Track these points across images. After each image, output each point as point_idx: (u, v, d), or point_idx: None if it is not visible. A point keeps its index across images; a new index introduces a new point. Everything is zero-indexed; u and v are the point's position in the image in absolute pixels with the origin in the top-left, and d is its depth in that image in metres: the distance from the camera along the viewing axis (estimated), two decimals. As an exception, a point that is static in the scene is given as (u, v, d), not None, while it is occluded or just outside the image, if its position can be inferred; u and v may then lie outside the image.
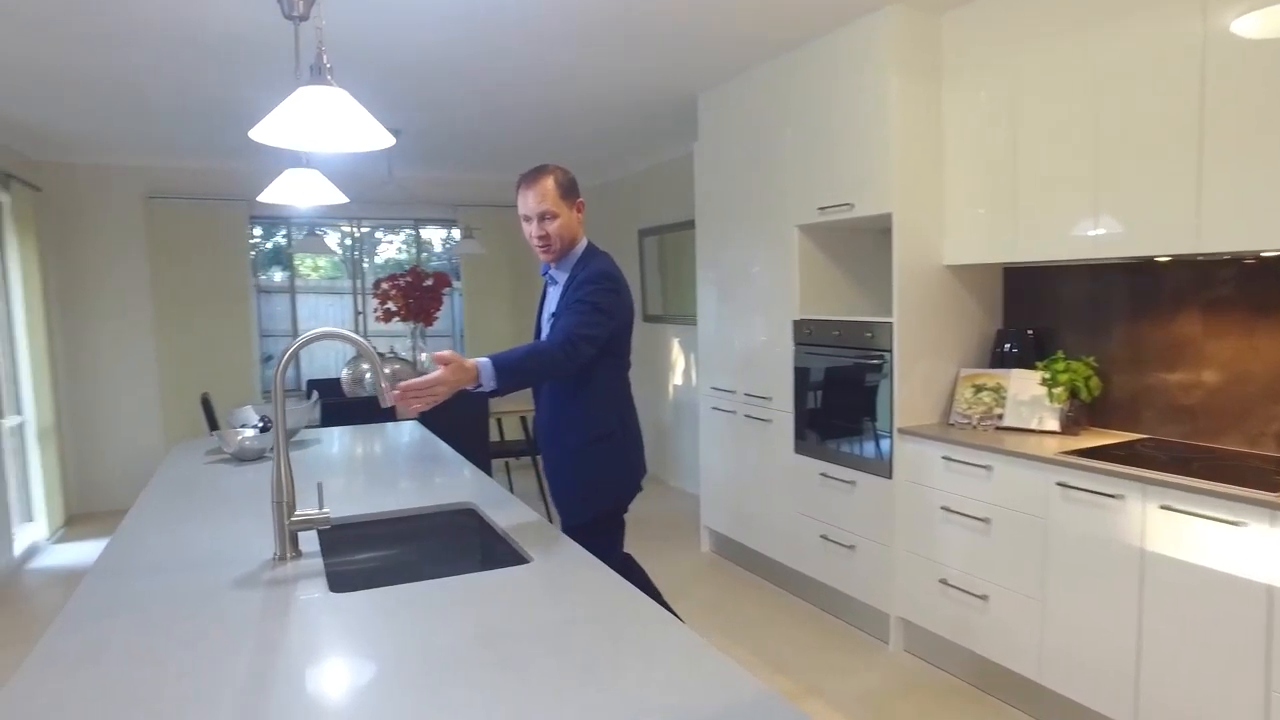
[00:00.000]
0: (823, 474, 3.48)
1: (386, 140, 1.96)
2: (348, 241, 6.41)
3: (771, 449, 3.81)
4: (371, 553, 2.06)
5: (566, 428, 2.36)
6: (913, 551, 3.05)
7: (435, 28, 3.09)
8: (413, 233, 6.61)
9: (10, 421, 4.80)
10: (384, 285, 4.97)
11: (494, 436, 6.15)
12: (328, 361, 6.37)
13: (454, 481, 2.37)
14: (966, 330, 3.25)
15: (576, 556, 1.67)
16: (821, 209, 3.37)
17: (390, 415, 4.34)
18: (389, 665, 1.16)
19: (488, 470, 4.71)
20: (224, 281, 5.71)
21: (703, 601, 3.73)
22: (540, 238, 2.28)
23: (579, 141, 5.32)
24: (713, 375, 4.30)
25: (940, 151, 3.12)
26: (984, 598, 2.75)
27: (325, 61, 1.82)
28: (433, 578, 1.54)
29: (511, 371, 2.00)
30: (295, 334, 6.27)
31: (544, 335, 2.38)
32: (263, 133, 1.74)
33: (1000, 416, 3.00)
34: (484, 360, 1.96)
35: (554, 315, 2.31)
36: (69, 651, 1.23)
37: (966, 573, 2.83)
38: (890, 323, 3.09)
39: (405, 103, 4.22)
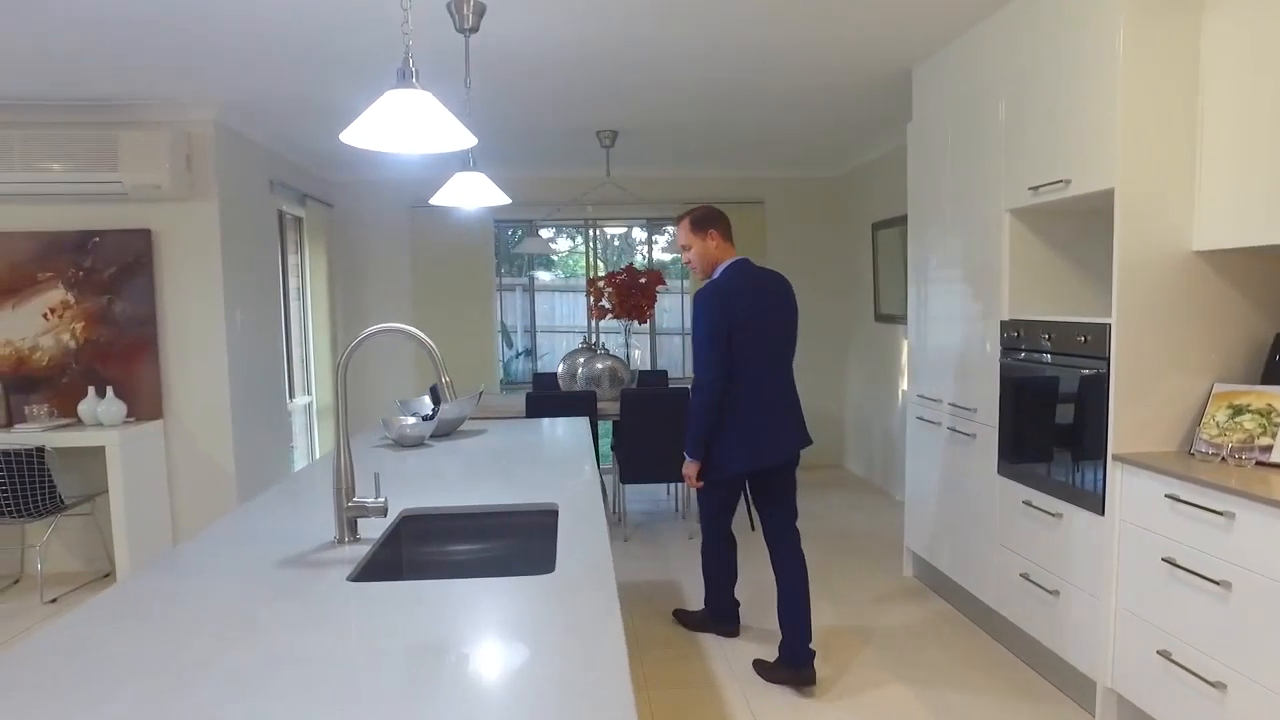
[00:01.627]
0: (1026, 501, 2.92)
1: (468, 141, 1.97)
2: (579, 241, 6.71)
3: (974, 468, 3.29)
4: (457, 545, 2.09)
5: None
6: (1130, 610, 2.44)
7: (614, 16, 3.08)
8: (644, 231, 6.75)
9: (301, 400, 5.69)
10: (599, 283, 5.11)
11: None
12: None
13: (562, 481, 2.32)
14: (1228, 334, 2.53)
15: (593, 571, 1.52)
16: (1034, 189, 2.82)
17: (585, 410, 4.43)
18: (322, 658, 1.13)
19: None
20: (471, 280, 6.27)
21: (887, 634, 3.33)
22: (686, 262, 3.09)
23: (794, 132, 5.04)
24: (920, 382, 3.82)
25: (1193, 105, 2.45)
26: (1220, 685, 2.11)
27: (412, 66, 1.85)
28: (485, 576, 1.50)
29: (690, 441, 2.98)
30: (534, 330, 6.71)
31: None
32: (352, 136, 1.82)
33: (1268, 449, 2.28)
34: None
35: None
36: (111, 602, 1.36)
37: (1196, 648, 2.19)
38: (1107, 324, 2.49)
39: (617, 102, 4.28)
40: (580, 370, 5.03)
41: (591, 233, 6.67)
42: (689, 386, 4.57)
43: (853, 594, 3.81)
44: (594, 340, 5.40)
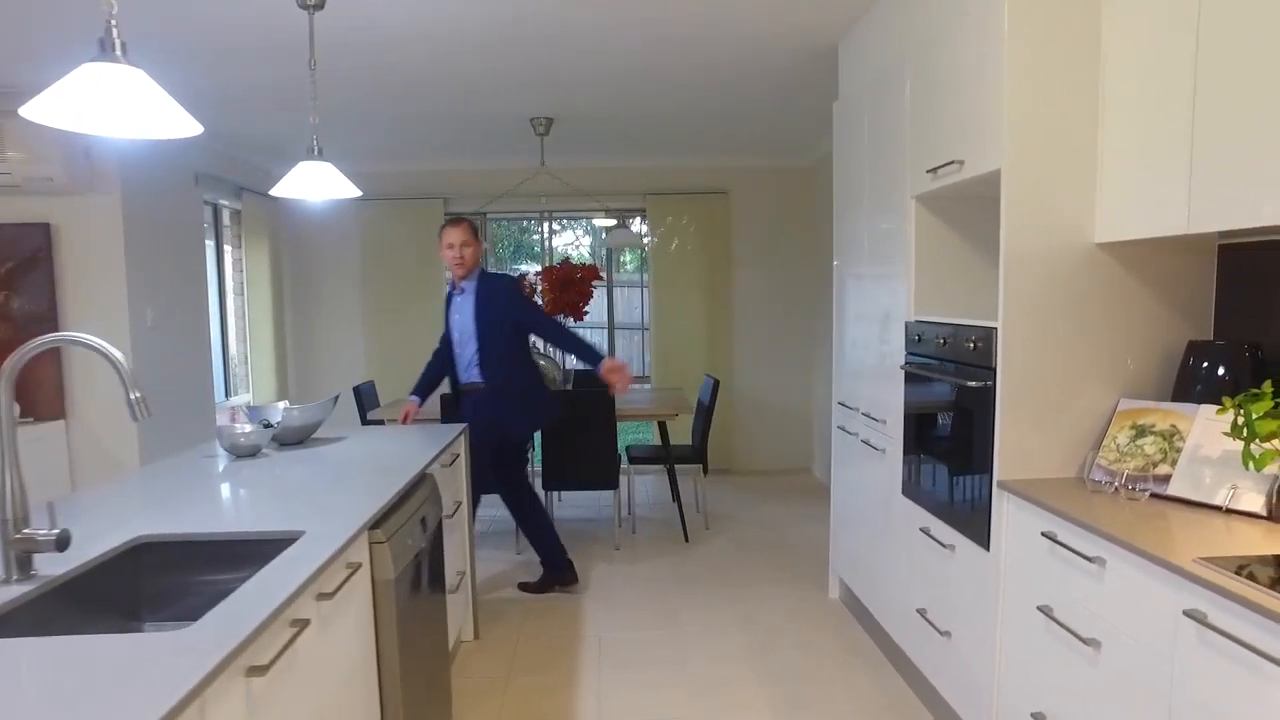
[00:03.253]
0: (924, 529, 2.58)
1: (192, 128, 1.72)
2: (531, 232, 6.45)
3: (883, 487, 2.95)
4: (205, 576, 1.84)
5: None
6: (1012, 661, 2.10)
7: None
8: (601, 224, 6.46)
9: (241, 398, 5.53)
10: (530, 278, 4.85)
11: (653, 441, 5.78)
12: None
13: (355, 500, 2.05)
14: (1137, 340, 2.16)
15: (235, 627, 1.24)
16: (931, 171, 2.47)
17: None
18: None
19: (614, 480, 4.35)
20: (423, 273, 6.06)
21: (784, 666, 3.01)
22: (457, 259, 3.56)
23: (742, 117, 4.69)
24: (841, 388, 3.49)
25: (1094, 74, 2.08)
26: (1090, 760, 1.77)
27: (116, 36, 1.60)
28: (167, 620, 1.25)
29: (592, 353, 3.64)
30: (490, 326, 6.47)
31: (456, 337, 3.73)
32: (35, 110, 1.57)
33: (1165, 480, 1.92)
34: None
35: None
36: None
37: (1067, 714, 1.84)
38: (993, 328, 2.14)
39: (550, 89, 4.01)
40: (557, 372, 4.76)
41: (545, 226, 6.40)
42: (594, 390, 4.30)
43: (765, 616, 3.49)
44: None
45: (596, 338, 6.47)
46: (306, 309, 6.19)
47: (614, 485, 4.42)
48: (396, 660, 2.02)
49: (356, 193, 2.85)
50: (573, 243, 8.46)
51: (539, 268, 5.25)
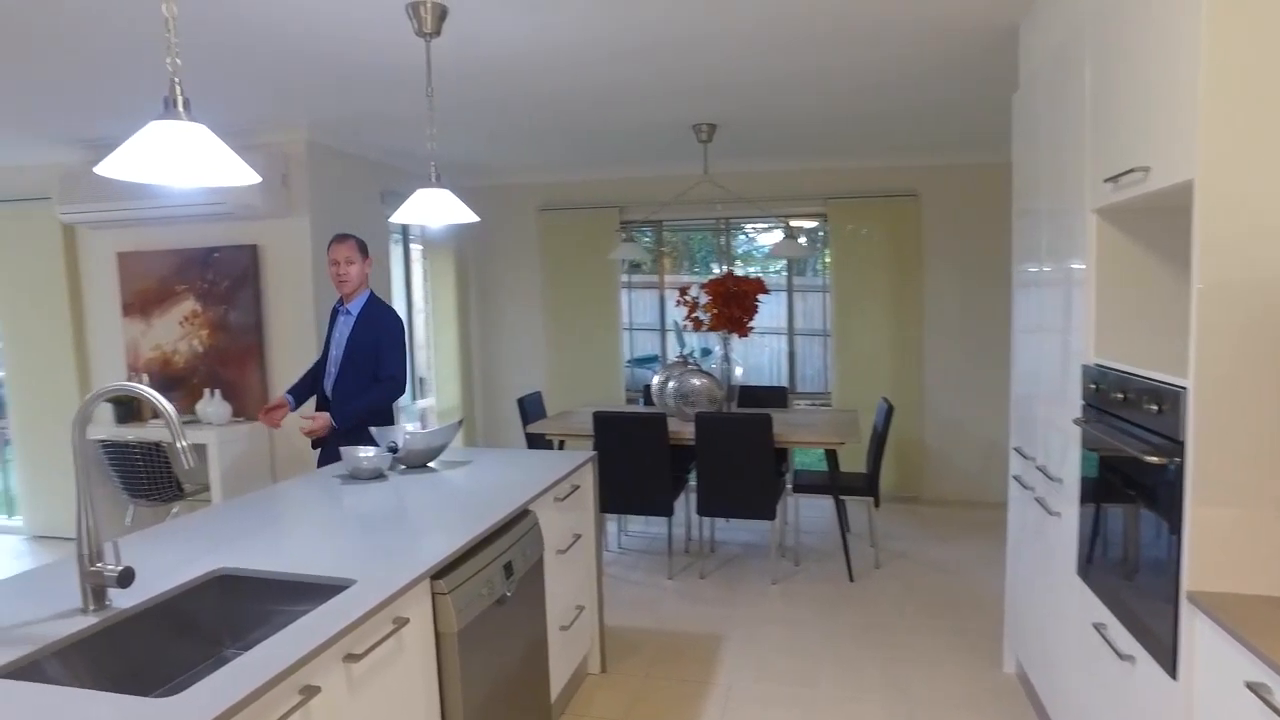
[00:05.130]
0: (1097, 625, 2.09)
1: (250, 178, 1.75)
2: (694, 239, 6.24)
3: (1057, 559, 2.46)
4: (280, 606, 1.86)
5: None
6: (1194, 826, 1.61)
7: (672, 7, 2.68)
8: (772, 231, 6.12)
9: (423, 402, 5.88)
10: (689, 292, 4.67)
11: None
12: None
13: (420, 543, 2.00)
14: None
15: (220, 699, 1.20)
16: (1111, 180, 1.98)
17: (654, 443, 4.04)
18: None
19: (777, 506, 4.07)
20: (597, 283, 6.09)
21: (927, 757, 2.60)
22: (343, 276, 3.36)
23: (921, 113, 4.19)
24: (1017, 431, 2.97)
25: (1343, 50, 1.53)
26: None
27: (179, 93, 1.65)
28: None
29: (351, 417, 3.35)
30: (663, 333, 6.38)
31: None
32: (109, 167, 1.66)
33: None
34: None
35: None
36: None
37: None
38: (1182, 389, 1.65)
39: (708, 94, 3.84)
40: (671, 386, 4.63)
41: (723, 239, 6.18)
42: (762, 412, 4.02)
43: (921, 688, 3.06)
44: (688, 352, 4.96)
45: (779, 344, 6.18)
46: (489, 318, 6.46)
47: (769, 516, 4.14)
48: (461, 714, 1.95)
49: (473, 218, 2.84)
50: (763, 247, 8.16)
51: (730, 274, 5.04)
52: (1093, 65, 2.14)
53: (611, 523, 5.19)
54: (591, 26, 2.86)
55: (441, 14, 2.60)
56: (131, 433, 4.36)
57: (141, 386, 1.60)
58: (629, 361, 6.57)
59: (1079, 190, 2.25)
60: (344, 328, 3.40)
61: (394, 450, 2.90)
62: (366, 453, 2.77)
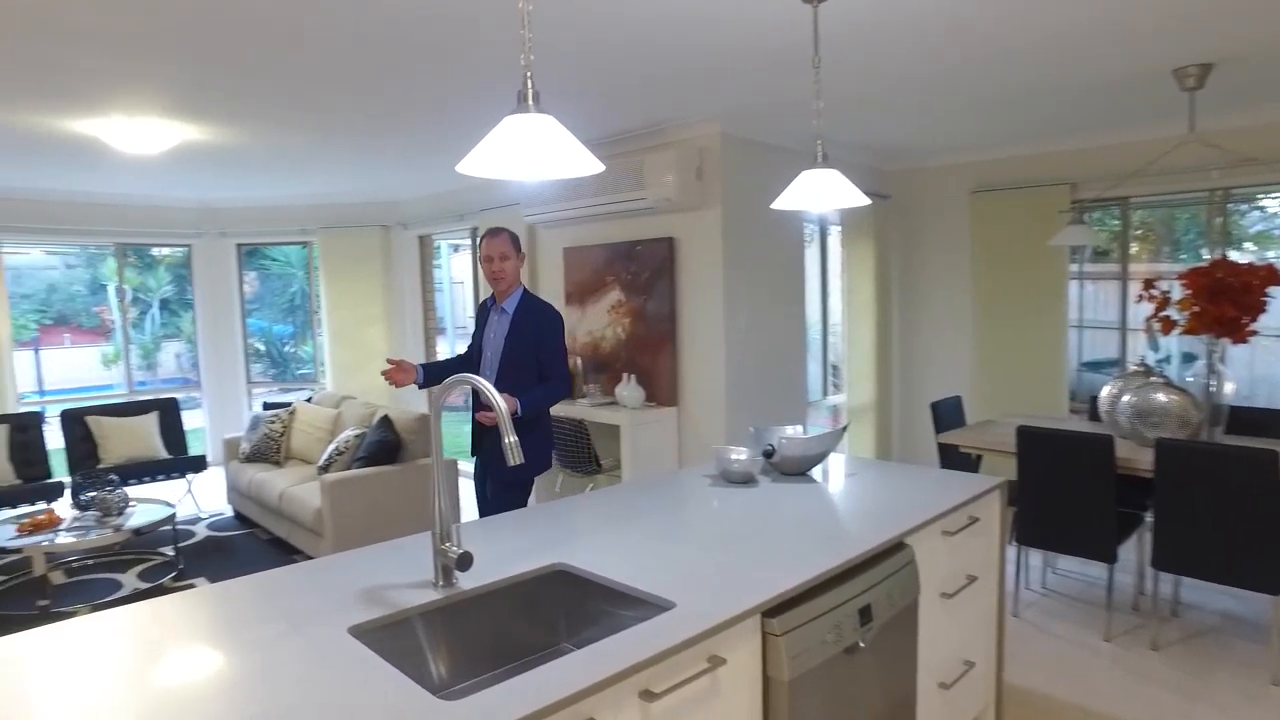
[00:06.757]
0: None
1: (595, 167, 1.68)
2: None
3: None
4: (618, 611, 1.82)
5: None
6: None
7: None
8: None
9: (834, 398, 5.64)
10: (1157, 285, 3.65)
11: None
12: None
13: (773, 571, 1.78)
14: None
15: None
16: None
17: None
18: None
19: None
20: (1038, 272, 5.17)
21: None
22: (498, 274, 3.19)
23: None
24: None
25: None
26: None
27: (530, 87, 1.66)
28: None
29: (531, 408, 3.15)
30: (1123, 332, 5.16)
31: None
32: (469, 166, 1.73)
33: None
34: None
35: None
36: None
37: None
38: None
39: (1203, 25, 2.97)
40: (1126, 400, 3.68)
41: (1218, 218, 4.73)
42: (1267, 448, 2.93)
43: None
44: (1160, 358, 3.88)
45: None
46: (912, 312, 5.93)
47: (1273, 589, 3.05)
48: (788, 775, 1.69)
49: (864, 201, 2.49)
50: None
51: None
52: None
53: (1036, 555, 4.37)
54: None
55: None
56: (563, 409, 4.90)
57: (477, 379, 1.65)
58: (1080, 365, 5.51)
59: None
60: (499, 327, 3.23)
61: (769, 455, 2.73)
62: (739, 454, 2.64)
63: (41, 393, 10.27)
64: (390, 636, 1.58)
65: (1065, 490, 3.50)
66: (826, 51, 3.17)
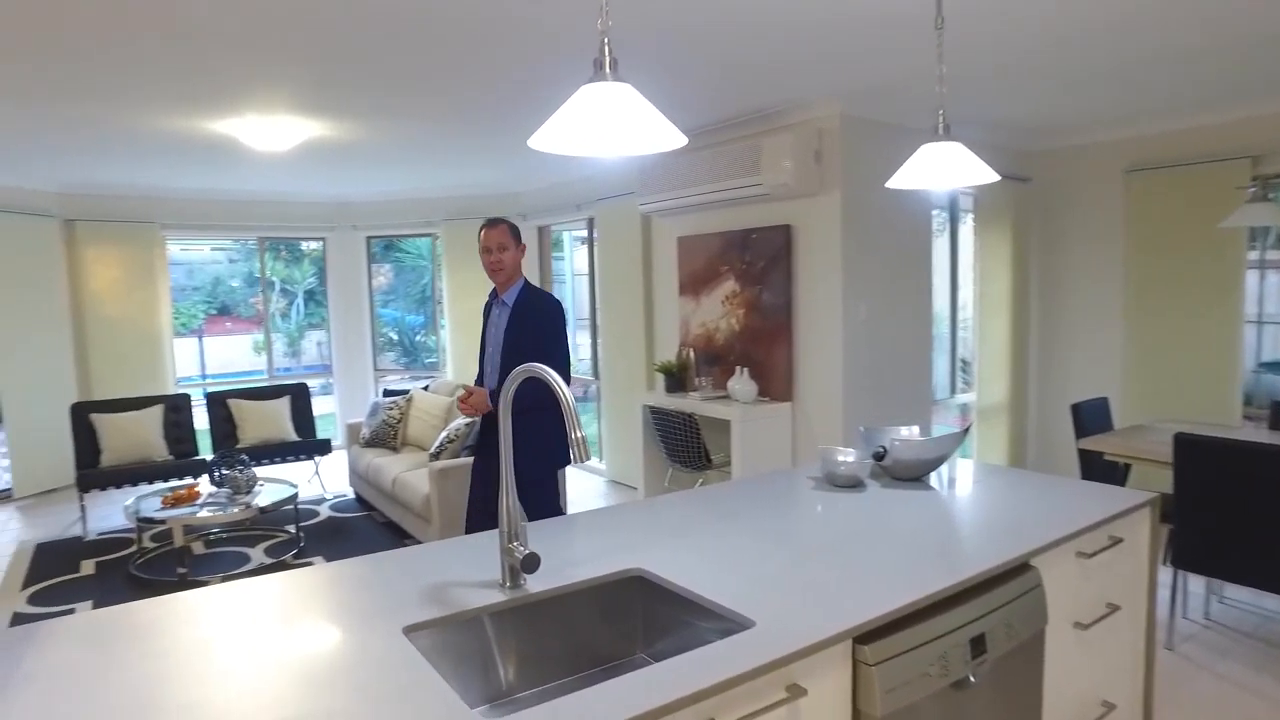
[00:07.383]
0: None
1: (677, 140, 1.54)
2: None
3: None
4: (696, 622, 1.68)
5: None
6: None
7: None
8: None
9: (963, 397, 5.23)
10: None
11: None
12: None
13: (868, 592, 1.59)
14: None
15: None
16: None
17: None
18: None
19: None
20: (1207, 260, 4.58)
21: None
22: (497, 264, 3.09)
23: None
24: None
25: None
26: None
27: (608, 52, 1.53)
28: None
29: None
30: (1315, 335, 4.48)
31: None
32: (541, 140, 1.62)
33: None
34: None
35: None
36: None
37: None
38: None
39: None
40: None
41: None
42: None
43: None
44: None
45: None
46: (1053, 303, 5.42)
47: None
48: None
49: (993, 177, 2.22)
50: None
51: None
52: None
53: (1197, 581, 3.87)
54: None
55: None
56: (673, 402, 4.78)
57: (544, 368, 1.54)
58: (1258, 366, 4.86)
59: None
60: (500, 321, 3.13)
61: (879, 457, 2.50)
62: (845, 456, 2.43)
63: (204, 376, 11.17)
64: (449, 637, 1.51)
65: (1237, 508, 3.05)
66: (955, 17, 2.88)
